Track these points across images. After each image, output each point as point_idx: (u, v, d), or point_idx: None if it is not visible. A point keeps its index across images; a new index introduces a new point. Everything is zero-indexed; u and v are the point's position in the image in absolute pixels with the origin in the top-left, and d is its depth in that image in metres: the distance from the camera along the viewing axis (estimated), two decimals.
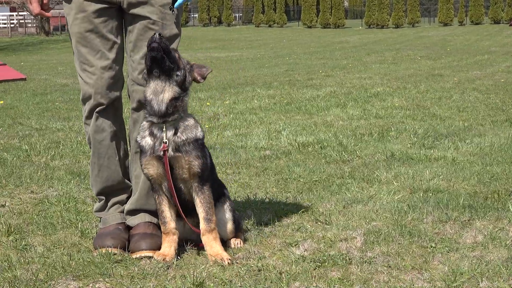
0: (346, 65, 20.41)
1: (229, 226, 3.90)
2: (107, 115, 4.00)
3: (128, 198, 4.18)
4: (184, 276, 3.38)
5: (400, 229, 4.11)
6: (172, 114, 3.65)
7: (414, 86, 13.33)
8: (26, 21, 62.15)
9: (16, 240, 4.09)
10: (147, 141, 3.71)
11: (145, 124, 3.76)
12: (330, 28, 61.88)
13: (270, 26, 67.16)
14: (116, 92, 4.02)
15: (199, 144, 3.72)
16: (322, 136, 7.86)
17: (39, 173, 6.02)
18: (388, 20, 60.87)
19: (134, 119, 4.07)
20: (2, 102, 12.36)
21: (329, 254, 3.67)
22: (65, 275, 3.42)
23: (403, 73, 16.71)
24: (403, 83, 14.01)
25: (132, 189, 4.18)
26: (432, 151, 6.81)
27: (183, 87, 3.70)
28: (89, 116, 4.01)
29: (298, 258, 3.61)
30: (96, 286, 3.27)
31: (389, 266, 3.49)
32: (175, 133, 3.67)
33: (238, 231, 4.00)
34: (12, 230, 4.25)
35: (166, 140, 3.63)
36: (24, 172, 6.06)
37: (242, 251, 3.80)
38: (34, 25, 59.87)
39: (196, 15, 75.23)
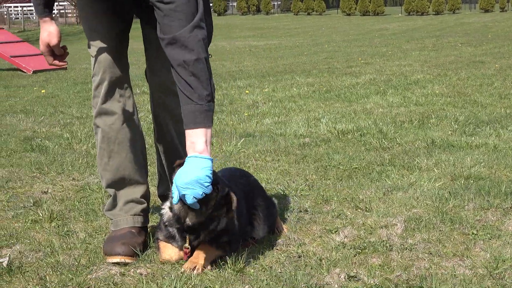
0: (386, 52, 20.28)
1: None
2: (115, 95, 3.71)
3: (143, 195, 3.85)
4: (224, 262, 3.39)
5: (441, 216, 4.08)
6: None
7: (455, 73, 13.19)
8: (66, 11, 62.68)
9: (58, 226, 4.14)
10: (170, 232, 3.48)
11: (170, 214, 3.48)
12: (369, 15, 61.49)
13: (308, 14, 66.97)
14: (123, 72, 3.74)
15: (226, 231, 3.45)
16: (361, 123, 7.82)
17: (80, 161, 6.08)
18: (428, 7, 60.25)
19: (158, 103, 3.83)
20: (43, 91, 12.49)
21: (370, 241, 3.66)
22: (107, 260, 3.46)
23: (443, 60, 16.56)
24: (444, 70, 13.88)
25: (147, 182, 3.90)
26: (473, 138, 6.74)
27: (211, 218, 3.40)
28: (96, 95, 3.73)
29: (338, 245, 3.60)
30: (138, 271, 3.30)
31: (430, 253, 3.46)
32: (197, 237, 3.44)
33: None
34: (55, 216, 4.29)
35: (189, 247, 3.42)
36: (66, 160, 6.13)
37: (282, 237, 3.79)
38: (75, 15, 60.32)
39: (235, 4, 75.29)
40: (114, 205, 3.80)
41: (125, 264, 3.41)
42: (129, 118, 3.75)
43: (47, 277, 3.20)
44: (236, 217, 3.51)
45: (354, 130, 7.35)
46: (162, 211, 3.52)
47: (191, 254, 3.40)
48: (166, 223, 3.47)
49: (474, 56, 17.56)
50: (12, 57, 17.76)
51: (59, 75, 16.16)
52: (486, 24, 41.76)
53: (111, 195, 3.83)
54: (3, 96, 12.04)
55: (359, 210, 4.32)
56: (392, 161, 5.78)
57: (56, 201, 4.75)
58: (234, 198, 3.32)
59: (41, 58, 18.47)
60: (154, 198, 4.52)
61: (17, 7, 63.20)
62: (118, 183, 3.78)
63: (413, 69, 14.42)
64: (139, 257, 3.49)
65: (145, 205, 3.84)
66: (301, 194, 4.76)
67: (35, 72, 17.07)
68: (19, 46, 19.02)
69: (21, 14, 61.88)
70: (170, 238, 3.48)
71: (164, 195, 4.00)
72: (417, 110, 8.80)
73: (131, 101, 3.78)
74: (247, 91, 11.43)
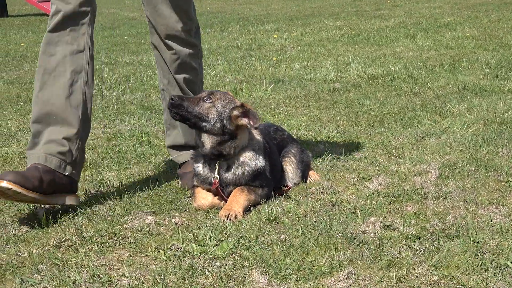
0: None
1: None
2: (66, 29, 3.47)
3: (66, 137, 3.44)
4: (259, 211, 3.39)
5: (476, 163, 4.03)
6: (221, 155, 3.50)
7: (486, 15, 12.96)
8: None
9: (92, 175, 4.16)
10: (200, 169, 3.58)
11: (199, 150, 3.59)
12: None
13: None
14: (83, 6, 3.50)
15: (258, 174, 3.53)
16: (391, 68, 7.74)
17: (111, 108, 6.09)
18: None
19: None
20: None
21: (404, 189, 3.63)
22: (141, 210, 3.47)
23: (474, 2, 16.25)
24: (474, 12, 13.64)
25: (79, 127, 3.48)
26: (505, 82, 6.64)
27: (224, 132, 3.48)
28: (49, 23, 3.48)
29: (372, 193, 3.58)
30: (173, 220, 3.31)
31: (466, 201, 3.43)
32: (228, 170, 3.52)
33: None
34: (88, 165, 4.32)
35: (217, 176, 3.48)
36: (97, 107, 6.13)
37: (316, 185, 3.78)
38: None
39: None
40: (35, 143, 3.45)
41: (18, 192, 3.16)
42: (75, 55, 3.47)
43: (83, 226, 3.23)
44: (269, 164, 3.55)
45: (384, 75, 7.28)
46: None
47: (225, 200, 3.45)
48: (197, 166, 3.58)
49: None
50: (39, 1, 17.73)
51: None
52: None
53: (37, 132, 3.46)
54: (33, 42, 12.06)
55: (392, 157, 4.28)
56: (424, 106, 5.72)
57: (89, 149, 4.76)
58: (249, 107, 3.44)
59: None
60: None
61: None
62: (45, 118, 3.43)
63: (443, 12, 14.19)
64: (31, 189, 3.21)
65: (65, 148, 3.44)
66: (333, 141, 4.73)
67: None
68: None
69: None
70: (203, 183, 3.55)
71: (174, 146, 4.03)
72: (448, 53, 8.68)
73: (85, 39, 3.49)
74: (275, 35, 11.34)
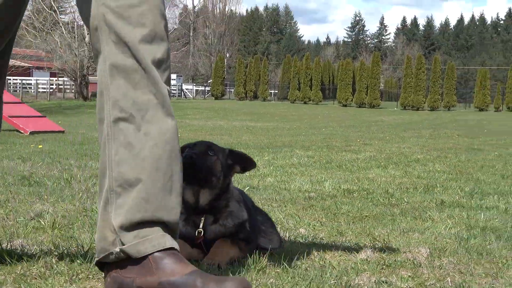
0: (384, 137, 20.31)
1: None
2: None
3: None
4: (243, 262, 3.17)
5: (466, 248, 3.87)
6: (212, 209, 3.29)
7: (455, 156, 13.12)
8: (65, 86, 63.26)
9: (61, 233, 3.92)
10: (181, 227, 3.26)
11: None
12: (365, 107, 62.13)
13: (305, 102, 67.70)
14: None
15: (243, 227, 3.35)
16: (366, 186, 7.68)
17: (81, 195, 5.90)
18: (424, 103, 60.96)
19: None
20: (41, 146, 12.34)
21: (395, 260, 3.44)
22: None
23: (442, 146, 16.54)
24: (443, 153, 13.83)
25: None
26: (482, 201, 6.58)
27: (223, 184, 3.32)
28: None
29: (363, 261, 3.38)
30: None
31: (461, 272, 3.24)
32: (215, 222, 3.31)
33: None
34: (57, 226, 4.10)
35: (202, 230, 3.26)
36: (66, 193, 5.94)
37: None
38: (73, 90, 60.83)
39: (233, 90, 76.19)
40: None
41: None
42: None
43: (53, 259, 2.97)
44: (249, 221, 3.37)
45: (360, 189, 7.22)
46: None
47: (207, 251, 3.24)
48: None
49: (472, 145, 17.53)
50: (10, 117, 17.66)
51: (56, 136, 16.04)
52: (481, 121, 42.11)
53: None
54: None
55: (378, 242, 4.12)
56: (404, 213, 5.62)
57: (58, 216, 4.53)
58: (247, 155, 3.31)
59: (39, 120, 18.41)
60: None
61: (16, 79, 63.59)
62: None
63: (412, 151, 14.38)
64: None
65: None
66: (314, 228, 4.57)
67: (32, 133, 16.97)
68: (17, 107, 18.97)
69: (19, 87, 62.28)
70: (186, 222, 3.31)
71: (135, 223, 2.66)
72: (421, 181, 8.65)
73: None
74: None
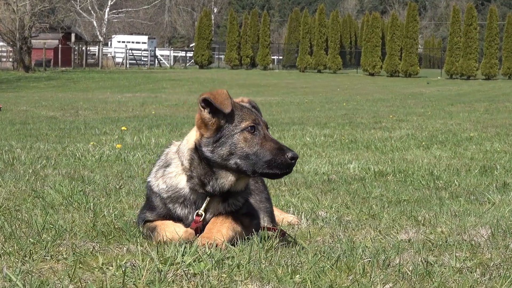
0: (424, 112, 20.41)
1: None
2: None
3: None
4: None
5: None
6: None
7: None
8: (1, 54, 63.09)
9: None
10: (179, 210, 3.60)
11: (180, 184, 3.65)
12: (398, 76, 62.15)
13: (319, 71, 67.45)
14: None
15: (247, 203, 3.70)
16: (404, 167, 7.74)
17: (27, 177, 6.01)
18: (477, 69, 60.91)
19: None
20: None
21: (446, 240, 3.52)
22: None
23: (501, 122, 16.60)
24: (504, 130, 13.90)
25: None
26: None
27: None
28: None
29: (402, 241, 3.45)
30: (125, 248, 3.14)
31: None
32: (224, 201, 3.60)
33: None
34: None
35: (203, 212, 3.53)
36: (8, 176, 6.04)
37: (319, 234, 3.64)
38: (11, 59, 60.61)
39: (223, 56, 75.48)
40: None
41: None
42: None
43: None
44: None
45: (395, 171, 7.28)
46: (160, 185, 3.58)
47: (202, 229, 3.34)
48: (173, 208, 3.55)
49: None
50: None
51: None
52: None
53: None
54: None
55: (422, 226, 4.18)
56: (455, 196, 5.70)
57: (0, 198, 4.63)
58: None
59: None
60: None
61: None
62: None
63: (462, 128, 14.47)
64: None
65: None
66: (338, 211, 4.63)
67: None
68: None
69: None
70: (167, 217, 3.52)
71: None
72: (476, 163, 8.70)
73: None
74: None
